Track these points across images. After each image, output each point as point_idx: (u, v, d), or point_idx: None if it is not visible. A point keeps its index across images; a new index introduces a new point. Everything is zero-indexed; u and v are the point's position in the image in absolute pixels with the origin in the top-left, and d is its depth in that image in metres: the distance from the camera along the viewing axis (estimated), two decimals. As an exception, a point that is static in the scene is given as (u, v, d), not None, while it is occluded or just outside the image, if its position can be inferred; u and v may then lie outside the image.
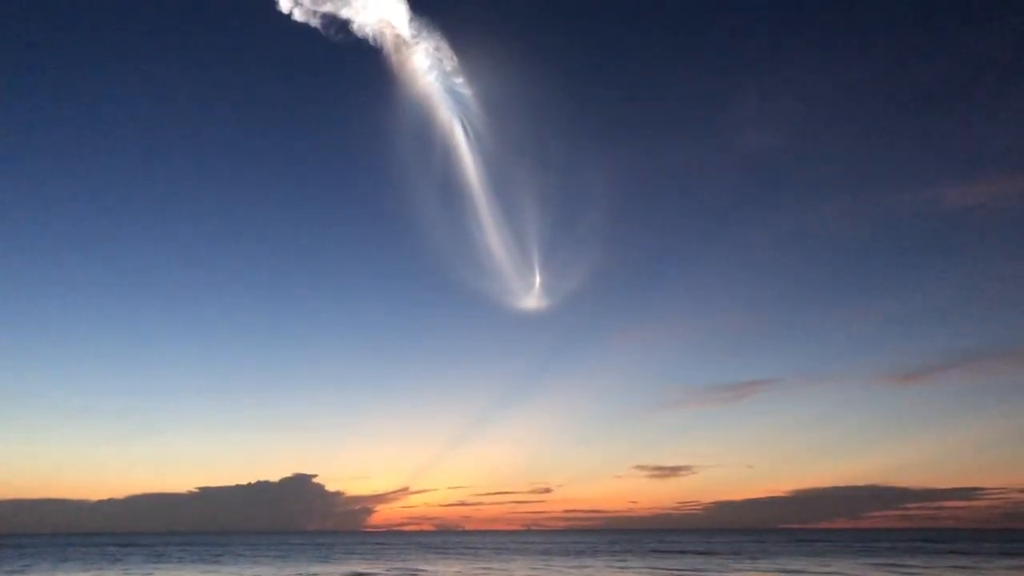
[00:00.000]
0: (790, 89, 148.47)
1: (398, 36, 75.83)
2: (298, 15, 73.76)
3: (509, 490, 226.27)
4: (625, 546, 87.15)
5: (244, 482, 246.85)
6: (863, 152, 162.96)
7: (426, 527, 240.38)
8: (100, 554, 71.45)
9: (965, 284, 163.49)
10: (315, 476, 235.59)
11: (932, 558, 55.42)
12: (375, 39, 75.94)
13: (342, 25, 73.66)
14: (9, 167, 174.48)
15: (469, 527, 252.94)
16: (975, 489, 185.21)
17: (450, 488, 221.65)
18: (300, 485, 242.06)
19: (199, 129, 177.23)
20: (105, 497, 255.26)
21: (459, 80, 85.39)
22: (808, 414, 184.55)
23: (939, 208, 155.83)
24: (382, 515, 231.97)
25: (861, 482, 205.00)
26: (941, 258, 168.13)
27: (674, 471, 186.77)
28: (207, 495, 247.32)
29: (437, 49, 79.40)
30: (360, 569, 45.46)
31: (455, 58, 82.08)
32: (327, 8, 70.30)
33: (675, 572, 40.53)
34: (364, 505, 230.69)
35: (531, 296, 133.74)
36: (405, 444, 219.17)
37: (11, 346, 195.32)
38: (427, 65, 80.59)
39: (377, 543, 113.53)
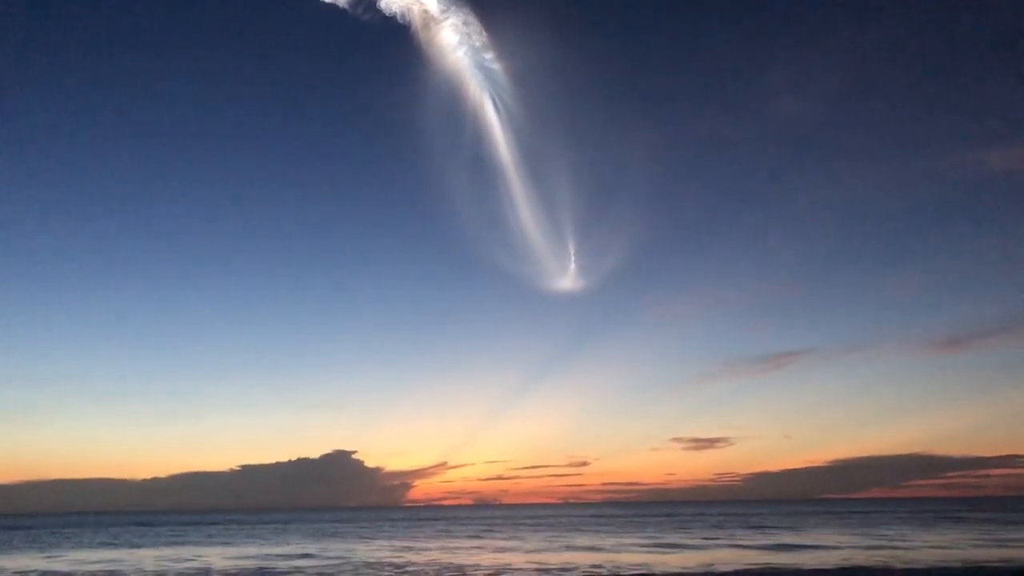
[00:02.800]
0: (824, 55, 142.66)
1: (426, 12, 74.14)
2: (325, -6, 73.24)
3: (546, 464, 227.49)
4: (636, 519, 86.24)
5: (285, 459, 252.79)
6: (899, 117, 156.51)
7: (465, 501, 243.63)
8: (90, 532, 73.22)
9: (1006, 250, 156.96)
10: (354, 452, 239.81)
11: (943, 526, 53.23)
12: (403, 16, 74.58)
13: (369, 3, 72.58)
14: (50, 151, 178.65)
15: (507, 500, 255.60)
16: (1018, 457, 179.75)
17: (488, 463, 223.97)
18: (340, 461, 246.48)
19: (228, 112, 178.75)
20: (150, 476, 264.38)
21: (489, 55, 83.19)
22: (846, 384, 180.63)
23: (979, 172, 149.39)
24: (421, 490, 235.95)
25: (901, 451, 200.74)
26: (981, 223, 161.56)
27: (711, 443, 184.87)
28: (249, 473, 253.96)
29: (466, 24, 77.44)
30: (359, 547, 45.38)
31: (484, 33, 79.95)
32: (354, -14, 69.35)
33: (650, 544, 39.53)
34: (403, 480, 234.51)
35: (567, 277, 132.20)
36: (443, 420, 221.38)
37: (58, 331, 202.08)
38: (456, 41, 78.67)
39: (399, 519, 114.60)
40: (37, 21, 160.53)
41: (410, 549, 42.24)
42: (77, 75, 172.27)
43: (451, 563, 32.27)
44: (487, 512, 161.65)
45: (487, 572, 28.03)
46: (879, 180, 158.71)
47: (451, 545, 45.38)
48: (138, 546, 50.87)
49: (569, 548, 40.65)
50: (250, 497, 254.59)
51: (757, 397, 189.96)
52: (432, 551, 40.23)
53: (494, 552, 38.89)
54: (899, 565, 27.95)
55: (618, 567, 29.08)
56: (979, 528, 53.96)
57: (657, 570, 27.69)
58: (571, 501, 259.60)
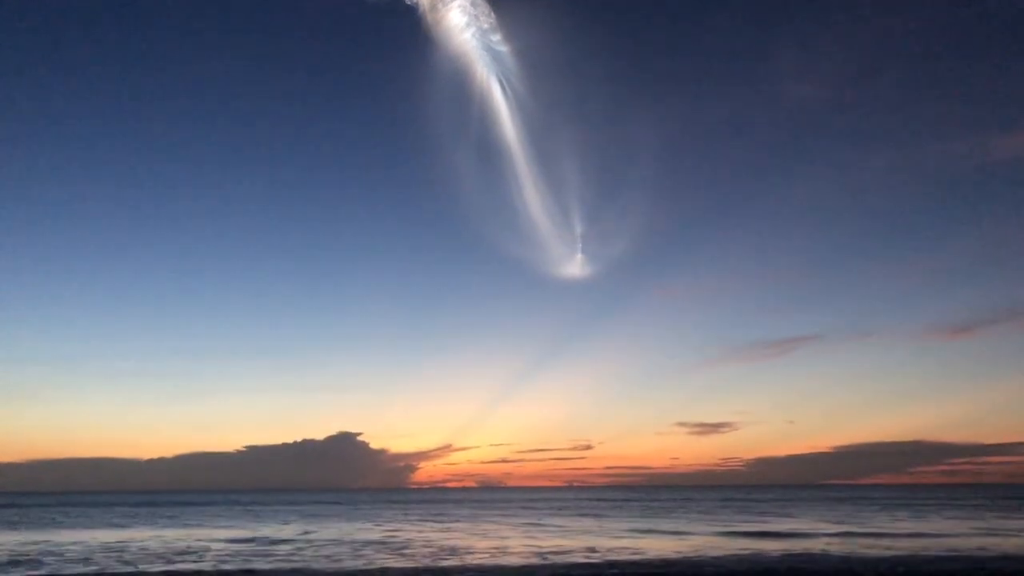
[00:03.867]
0: (832, 39, 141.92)
1: (433, -7, 73.07)
2: (332, -23, 72.47)
3: (551, 447, 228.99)
4: (637, 503, 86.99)
5: (290, 440, 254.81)
6: (907, 102, 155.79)
7: (469, 484, 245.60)
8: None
9: (1011, 237, 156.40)
10: (360, 434, 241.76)
11: (937, 514, 53.68)
12: (410, -3, 73.38)
13: (377, -16, 71.57)
14: (70, 136, 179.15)
15: (511, 483, 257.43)
16: (1021, 444, 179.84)
17: (492, 445, 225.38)
18: (345, 443, 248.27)
19: (235, 95, 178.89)
20: (156, 456, 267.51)
21: (496, 37, 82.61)
22: (852, 370, 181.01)
23: (986, 158, 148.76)
24: (425, 472, 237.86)
25: (905, 438, 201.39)
26: (989, 209, 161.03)
27: (716, 427, 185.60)
28: (254, 453, 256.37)
29: (474, 6, 76.91)
30: (311, 528, 45.78)
31: (492, 15, 79.44)
32: (361, -31, 68.82)
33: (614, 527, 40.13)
34: (408, 462, 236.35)
35: (573, 261, 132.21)
36: (448, 403, 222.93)
37: (66, 311, 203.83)
38: (464, 22, 78.14)
39: (400, 501, 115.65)
40: (34, 12, 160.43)
41: (396, 530, 42.80)
42: (90, 60, 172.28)
43: (445, 545, 32.89)
44: (490, 495, 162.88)
45: (481, 555, 28.64)
46: (886, 165, 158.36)
47: (446, 526, 46.00)
48: (105, 527, 50.31)
49: (565, 531, 41.23)
50: (255, 478, 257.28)
51: (762, 382, 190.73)
52: (421, 532, 40.84)
53: (489, 535, 39.51)
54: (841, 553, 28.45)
55: (611, 551, 29.68)
56: (973, 516, 54.42)
57: (651, 555, 28.28)
58: (575, 484, 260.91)
